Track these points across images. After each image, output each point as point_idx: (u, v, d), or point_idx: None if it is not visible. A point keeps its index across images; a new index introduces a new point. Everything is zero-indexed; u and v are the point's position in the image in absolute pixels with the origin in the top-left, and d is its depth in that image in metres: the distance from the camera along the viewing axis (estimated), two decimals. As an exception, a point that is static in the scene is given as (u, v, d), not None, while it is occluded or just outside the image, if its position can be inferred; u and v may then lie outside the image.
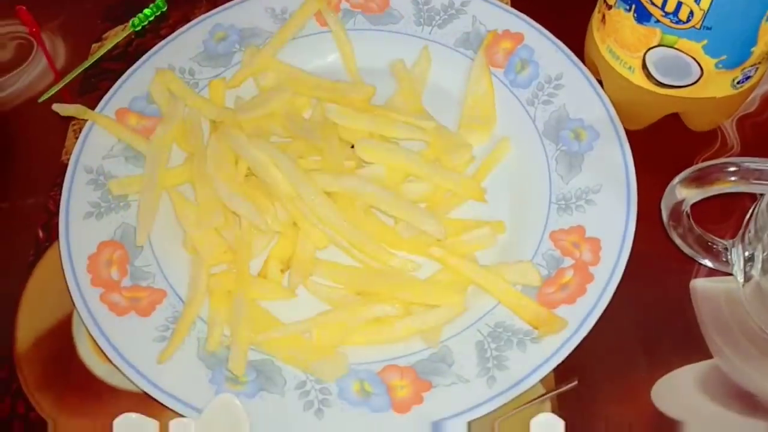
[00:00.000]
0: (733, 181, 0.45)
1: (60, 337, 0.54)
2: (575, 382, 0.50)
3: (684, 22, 0.50)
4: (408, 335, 0.51)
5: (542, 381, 0.50)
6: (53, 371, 0.52)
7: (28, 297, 0.56)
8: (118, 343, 0.50)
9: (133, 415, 0.45)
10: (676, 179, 0.47)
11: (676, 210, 0.48)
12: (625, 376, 0.51)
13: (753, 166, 0.44)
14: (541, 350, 0.49)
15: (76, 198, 0.57)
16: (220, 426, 0.44)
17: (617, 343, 0.52)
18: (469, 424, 0.47)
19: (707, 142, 0.61)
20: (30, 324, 0.55)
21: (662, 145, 0.60)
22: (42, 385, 0.52)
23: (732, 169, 0.45)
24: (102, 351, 0.51)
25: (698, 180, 0.46)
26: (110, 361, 0.50)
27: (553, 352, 0.49)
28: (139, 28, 0.71)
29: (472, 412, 0.47)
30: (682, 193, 0.47)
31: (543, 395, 0.50)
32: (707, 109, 0.57)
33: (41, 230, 0.59)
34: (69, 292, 0.53)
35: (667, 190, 0.48)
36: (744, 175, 0.44)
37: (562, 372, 0.50)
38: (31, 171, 0.63)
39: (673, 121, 0.61)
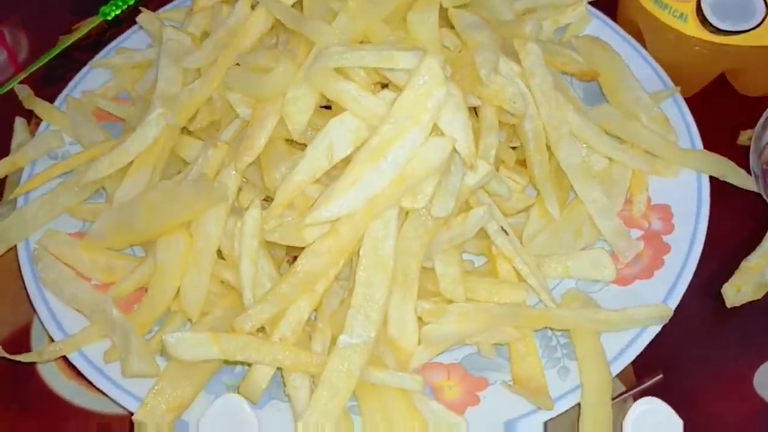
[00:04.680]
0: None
1: (15, 353, 0.43)
2: (660, 376, 0.41)
3: (750, -53, 0.44)
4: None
5: (621, 377, 0.41)
6: (7, 392, 0.44)
7: (-26, 309, 0.46)
8: (90, 352, 0.41)
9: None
10: (765, 115, 0.40)
11: (768, 153, 0.40)
12: (718, 365, 0.43)
13: None
14: (619, 337, 0.40)
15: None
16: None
17: (703, 328, 0.44)
18: (546, 424, 0.37)
19: (763, 108, 0.54)
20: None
21: (714, 113, 0.53)
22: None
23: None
24: (69, 365, 0.42)
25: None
26: (80, 375, 0.41)
27: (633, 337, 0.40)
28: (111, 17, 0.63)
29: (543, 411, 0.38)
30: (777, 129, 0.39)
31: (625, 393, 0.41)
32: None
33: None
34: (28, 298, 0.44)
35: (756, 132, 0.41)
36: None
37: (643, 365, 0.41)
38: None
39: (723, 88, 0.54)
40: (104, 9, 0.63)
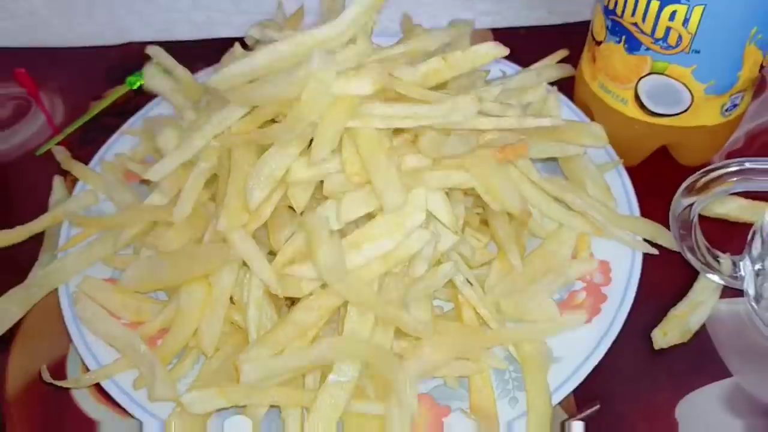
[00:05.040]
0: (736, 180, 0.46)
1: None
2: (597, 406, 0.49)
3: (673, 47, 0.53)
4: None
5: (564, 406, 0.49)
6: (45, 417, 0.50)
7: (20, 340, 0.54)
8: (120, 379, 0.48)
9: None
10: (682, 186, 0.48)
11: (684, 219, 0.48)
12: (647, 397, 0.50)
13: (754, 165, 0.45)
14: (561, 370, 0.48)
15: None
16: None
17: (636, 365, 0.51)
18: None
19: (699, 175, 0.63)
20: (22, 366, 0.52)
21: (656, 180, 0.61)
22: (34, 433, 0.49)
23: (734, 168, 0.46)
24: (101, 392, 0.49)
25: (703, 183, 0.47)
26: (110, 400, 0.48)
27: (573, 370, 0.48)
28: (137, 86, 0.72)
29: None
30: (690, 198, 0.47)
31: (566, 420, 0.49)
32: (698, 140, 0.59)
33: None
34: (65, 333, 0.51)
35: (675, 200, 0.49)
36: (746, 173, 0.45)
37: (583, 397, 0.49)
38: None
39: (664, 158, 0.63)
40: (131, 78, 0.72)
